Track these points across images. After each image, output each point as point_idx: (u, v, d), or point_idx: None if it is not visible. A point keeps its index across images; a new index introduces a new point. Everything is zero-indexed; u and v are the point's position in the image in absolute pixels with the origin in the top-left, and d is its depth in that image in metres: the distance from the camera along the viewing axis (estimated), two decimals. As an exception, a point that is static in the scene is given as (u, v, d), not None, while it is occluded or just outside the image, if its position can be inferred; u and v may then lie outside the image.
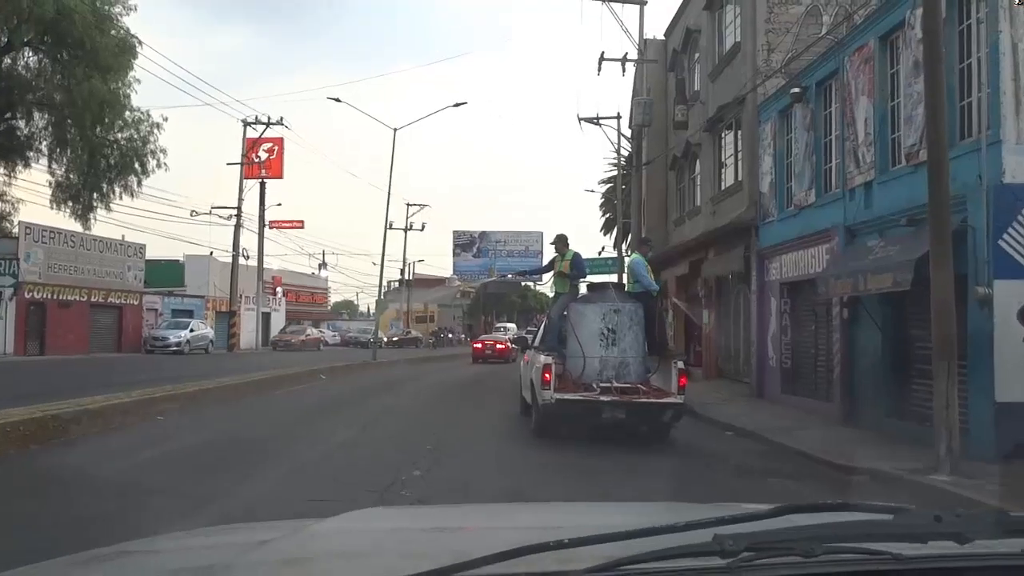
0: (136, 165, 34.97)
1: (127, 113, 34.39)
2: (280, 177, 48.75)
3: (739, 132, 18.57)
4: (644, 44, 25.37)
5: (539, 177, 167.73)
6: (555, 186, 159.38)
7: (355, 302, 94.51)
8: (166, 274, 46.38)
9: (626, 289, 11.67)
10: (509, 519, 2.09)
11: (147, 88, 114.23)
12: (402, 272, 66.05)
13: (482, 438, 11.08)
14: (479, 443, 10.54)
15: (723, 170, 19.72)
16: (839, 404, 12.52)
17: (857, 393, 12.08)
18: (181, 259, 48.29)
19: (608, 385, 10.28)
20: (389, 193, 31.63)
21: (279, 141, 47.70)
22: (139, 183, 35.27)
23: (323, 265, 64.69)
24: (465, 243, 74.30)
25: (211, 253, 45.41)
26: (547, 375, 10.08)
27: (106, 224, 34.98)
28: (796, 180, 14.71)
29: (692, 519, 1.28)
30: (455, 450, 9.76)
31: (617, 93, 61.91)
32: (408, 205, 62.63)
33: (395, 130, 31.85)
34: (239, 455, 8.73)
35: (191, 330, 34.02)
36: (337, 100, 32.43)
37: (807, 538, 1.14)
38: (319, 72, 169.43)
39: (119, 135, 34.81)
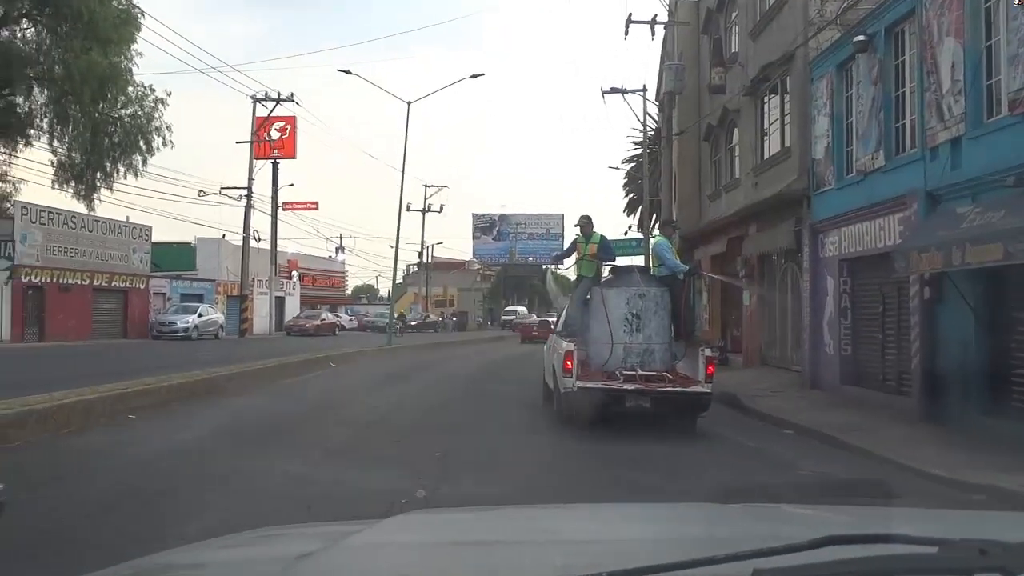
0: (140, 143, 33.62)
1: (130, 88, 33.00)
2: (293, 157, 47.42)
3: (785, 94, 16.72)
4: (675, 4, 23.48)
5: (561, 156, 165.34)
6: (577, 165, 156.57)
7: (375, 286, 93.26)
8: (177, 258, 45.19)
9: (652, 272, 11.15)
10: (550, 526, 2.01)
11: (153, 64, 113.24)
12: (420, 255, 64.67)
13: (505, 453, 9.38)
14: (501, 458, 8.73)
15: (766, 137, 17.86)
16: (918, 399, 10.73)
17: (942, 386, 10.27)
18: (193, 242, 47.12)
19: (632, 373, 9.83)
20: (403, 171, 29.99)
21: (292, 120, 46.26)
22: (144, 162, 33.93)
23: (340, 248, 63.40)
24: (485, 226, 72.80)
25: (223, 236, 44.08)
26: (569, 362, 9.67)
27: (114, 206, 33.72)
28: (860, 142, 12.86)
29: (726, 534, 1.68)
30: (468, 459, 8.13)
31: (643, 66, 59.67)
32: (426, 186, 61.31)
33: (409, 103, 30.21)
34: (194, 478, 6.92)
35: (199, 315, 32.69)
36: (348, 72, 29.86)
37: (849, 573, 1.17)
38: (328, 55, 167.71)
39: (122, 111, 33.45)
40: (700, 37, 23.24)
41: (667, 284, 10.61)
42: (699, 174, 23.81)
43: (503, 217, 72.64)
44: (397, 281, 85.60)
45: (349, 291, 75.71)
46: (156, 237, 45.15)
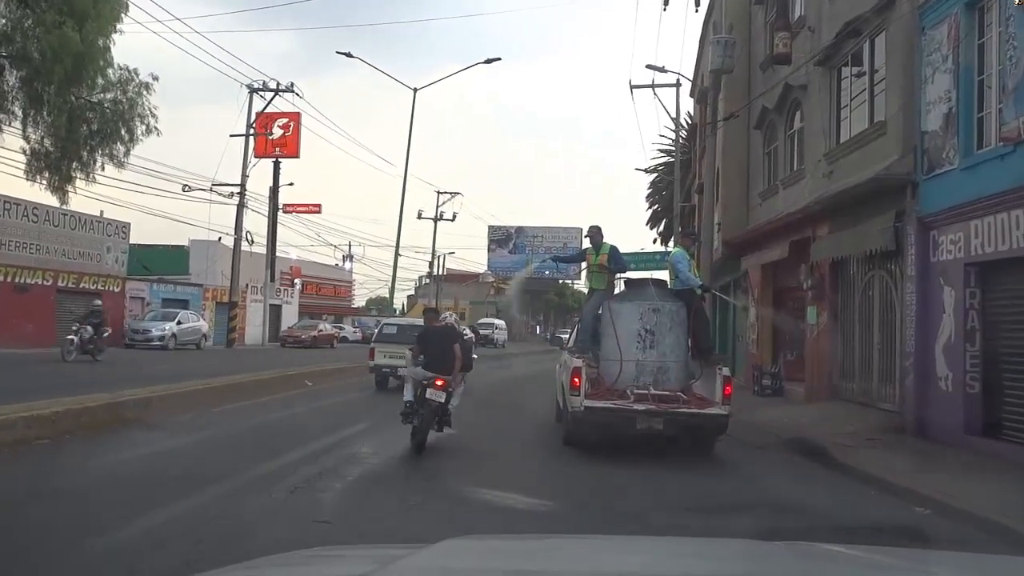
0: (122, 131, 30.61)
1: (111, 71, 30.00)
2: (296, 156, 44.52)
3: (873, 57, 13.22)
4: (724, -31, 20.09)
5: (583, 165, 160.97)
6: (600, 174, 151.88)
7: (388, 298, 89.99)
8: (168, 260, 42.15)
9: (669, 286, 10.42)
10: (593, 558, 2.04)
11: (143, 48, 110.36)
12: (431, 265, 61.32)
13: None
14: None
15: (846, 113, 14.32)
16: None
17: None
18: (186, 244, 44.05)
19: (644, 392, 9.21)
20: (407, 163, 26.68)
21: (295, 116, 43.35)
22: (126, 152, 30.86)
23: (348, 257, 60.26)
24: (501, 238, 69.90)
25: (219, 239, 40.81)
26: (576, 380, 9.29)
27: (105, 204, 30.55)
28: (1010, 99, 9.29)
29: (767, 571, 1.89)
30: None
31: (676, 61, 56.22)
32: (438, 193, 58.12)
33: (415, 90, 27.15)
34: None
35: (178, 322, 29.36)
36: (348, 55, 26.69)
37: None
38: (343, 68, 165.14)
39: (104, 95, 30.44)
40: (752, 8, 19.80)
41: (684, 299, 10.00)
42: (747, 170, 20.28)
43: (519, 230, 69.87)
44: (409, 293, 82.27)
45: (357, 302, 72.49)
46: (149, 239, 42.19)
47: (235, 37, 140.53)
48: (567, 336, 15.66)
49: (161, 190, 34.85)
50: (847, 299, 14.21)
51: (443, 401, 8.81)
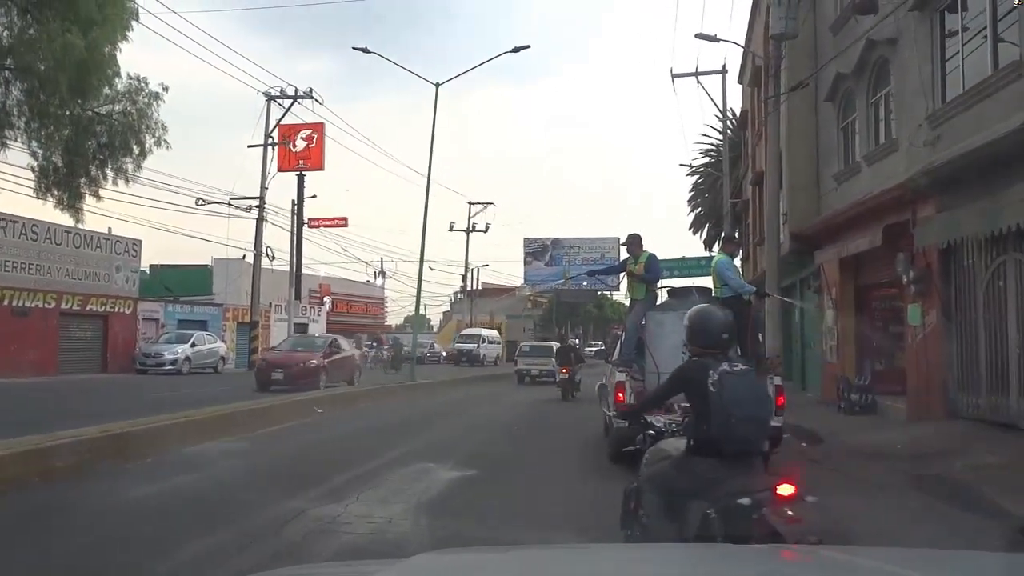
0: (132, 144, 28.88)
1: (118, 81, 28.33)
2: (321, 168, 42.56)
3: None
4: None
5: (620, 169, 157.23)
6: (640, 176, 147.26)
7: (425, 315, 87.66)
8: (191, 280, 40.50)
9: (713, 294, 10.07)
10: (567, 567, 2.06)
11: (156, 57, 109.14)
12: (464, 279, 59.18)
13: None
14: None
15: (953, 65, 11.65)
16: None
17: None
18: (209, 263, 42.37)
19: None
20: (430, 164, 24.34)
21: (319, 127, 41.41)
22: (136, 166, 29.10)
23: (381, 273, 58.17)
24: (536, 251, 67.52)
25: (243, 256, 38.84)
26: (620, 394, 9.09)
27: (120, 223, 28.88)
28: None
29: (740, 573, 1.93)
30: None
31: (717, 51, 53.23)
32: (470, 204, 56.00)
33: (437, 85, 24.69)
34: None
35: (192, 344, 27.38)
36: (365, 50, 24.48)
37: None
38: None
39: (113, 107, 28.77)
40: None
41: (730, 306, 9.22)
42: (816, 150, 17.62)
43: (555, 241, 67.40)
44: (444, 309, 79.87)
45: (392, 319, 70.50)
46: (171, 259, 40.51)
47: (267, 59, 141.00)
48: (595, 349, 15.85)
49: (182, 206, 33.06)
50: (966, 293, 11.47)
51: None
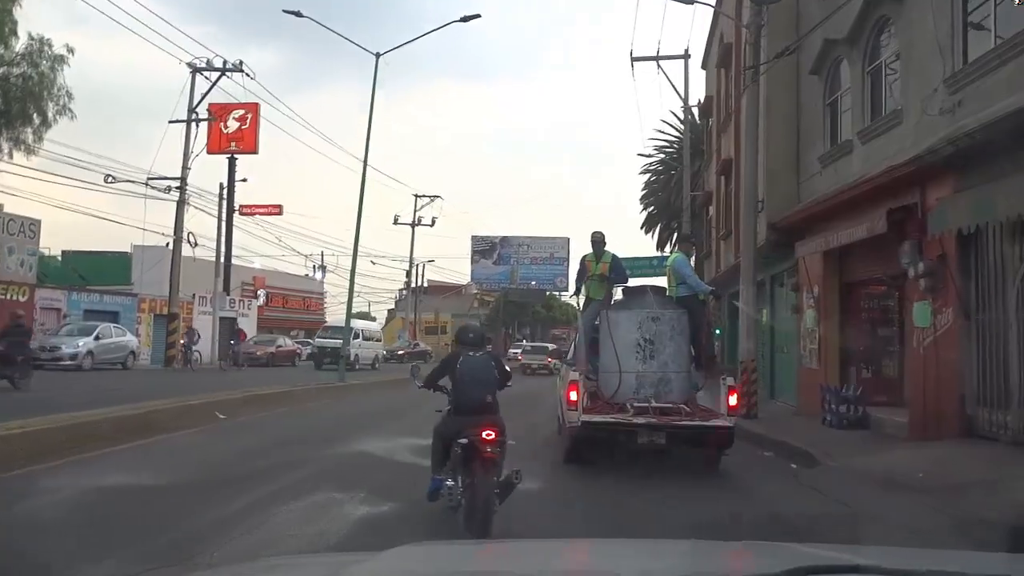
0: (32, 112, 25.80)
1: (15, 41, 25.22)
2: (255, 151, 39.94)
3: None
4: None
5: (574, 166, 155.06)
6: (593, 174, 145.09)
7: (369, 312, 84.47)
8: (108, 268, 37.27)
9: (668, 293, 9.91)
10: (544, 560, 2.05)
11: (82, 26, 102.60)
12: (408, 275, 56.58)
13: None
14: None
15: (980, 15, 9.80)
16: None
17: None
18: (129, 250, 39.07)
19: (645, 405, 8.75)
20: (367, 148, 21.93)
21: (254, 108, 38.61)
22: (39, 137, 26.02)
23: (321, 267, 55.15)
24: (485, 249, 65.19)
25: (167, 244, 35.65)
26: (573, 393, 8.93)
27: (28, 203, 25.61)
28: None
29: (708, 569, 1.98)
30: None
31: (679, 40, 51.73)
32: (416, 196, 53.41)
33: (377, 55, 22.33)
34: None
35: (96, 337, 24.41)
36: (297, 14, 21.82)
37: None
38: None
39: (11, 70, 25.63)
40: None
41: (686, 306, 9.54)
42: (797, 130, 15.77)
43: (504, 240, 65.15)
44: (389, 306, 77.00)
45: (330, 316, 67.43)
46: (91, 246, 37.20)
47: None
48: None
49: (93, 184, 29.81)
50: (991, 287, 9.60)
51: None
